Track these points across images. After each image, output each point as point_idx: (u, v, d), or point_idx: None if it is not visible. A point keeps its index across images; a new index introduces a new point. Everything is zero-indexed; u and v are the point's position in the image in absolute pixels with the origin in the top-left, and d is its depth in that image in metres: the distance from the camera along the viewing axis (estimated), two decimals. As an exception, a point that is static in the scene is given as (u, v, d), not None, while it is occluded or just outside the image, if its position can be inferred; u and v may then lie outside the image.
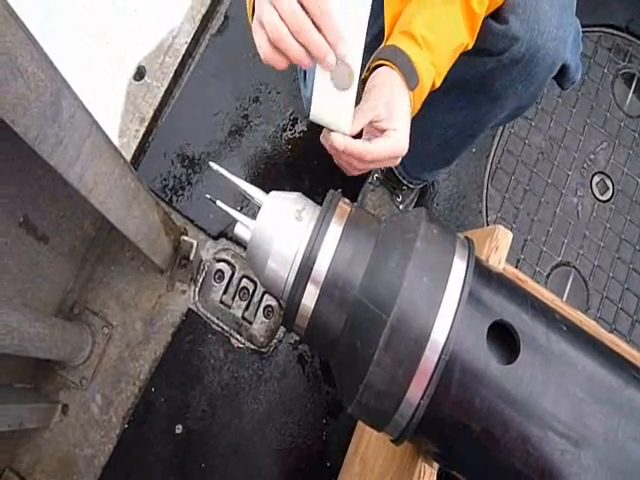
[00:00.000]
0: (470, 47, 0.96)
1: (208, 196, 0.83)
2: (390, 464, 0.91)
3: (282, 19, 0.66)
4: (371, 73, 0.88)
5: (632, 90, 2.06)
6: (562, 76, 1.09)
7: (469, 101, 1.17)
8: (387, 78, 0.84)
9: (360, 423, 1.42)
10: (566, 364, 0.65)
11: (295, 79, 1.75)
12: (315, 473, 1.55)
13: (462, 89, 1.13)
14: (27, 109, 0.73)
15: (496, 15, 0.98)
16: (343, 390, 0.71)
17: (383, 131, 0.82)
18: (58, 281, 1.49)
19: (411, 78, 0.83)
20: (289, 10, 0.65)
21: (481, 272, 0.69)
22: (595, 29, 2.06)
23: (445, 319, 0.62)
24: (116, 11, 1.76)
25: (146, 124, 1.68)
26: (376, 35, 1.14)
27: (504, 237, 0.86)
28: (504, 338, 0.65)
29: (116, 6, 1.76)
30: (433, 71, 0.88)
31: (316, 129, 1.81)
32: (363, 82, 0.89)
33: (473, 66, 0.99)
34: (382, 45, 0.90)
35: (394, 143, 0.82)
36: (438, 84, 0.92)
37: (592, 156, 1.96)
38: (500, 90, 1.09)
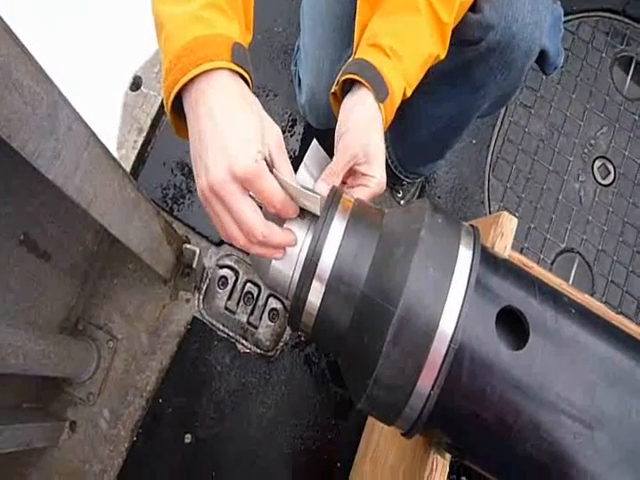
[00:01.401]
0: (442, 57, 0.95)
1: None
2: (402, 459, 0.90)
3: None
4: (341, 87, 0.87)
5: (630, 73, 2.06)
6: (543, 61, 1.09)
7: (453, 93, 1.18)
8: (358, 101, 0.83)
9: (369, 421, 1.42)
10: (577, 347, 0.65)
11: (291, 81, 1.75)
12: (326, 474, 1.55)
13: (446, 81, 1.13)
14: (23, 123, 0.72)
15: (472, 5, 0.98)
16: (352, 386, 0.70)
17: (362, 174, 0.82)
18: (61, 297, 1.48)
19: (381, 91, 0.83)
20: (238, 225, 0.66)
21: (487, 259, 0.68)
22: (592, 14, 2.06)
23: (453, 308, 0.61)
24: (109, 22, 1.75)
25: (144, 134, 1.68)
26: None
27: (509, 223, 0.85)
28: (513, 324, 0.64)
29: (109, 17, 1.76)
30: (403, 81, 0.87)
31: (314, 132, 1.82)
32: (333, 95, 0.89)
33: (453, 57, 0.99)
34: (351, 57, 0.89)
35: (373, 191, 0.82)
36: (409, 94, 0.91)
37: (593, 141, 1.96)
38: (481, 79, 1.09)
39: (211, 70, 0.64)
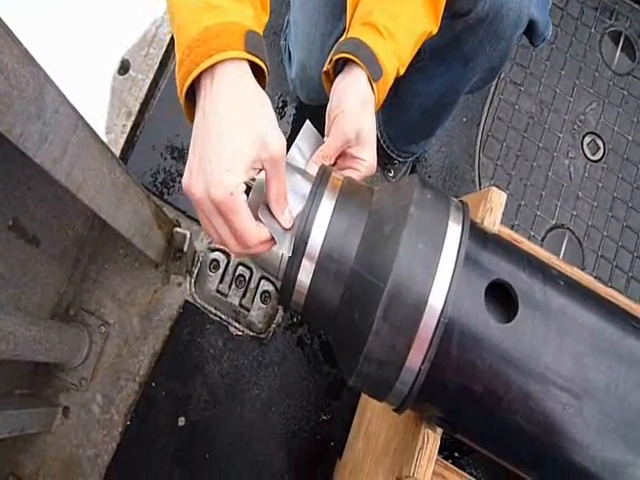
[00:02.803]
0: (434, 33, 0.95)
1: None
2: (394, 435, 0.91)
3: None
4: (334, 66, 0.87)
5: (619, 48, 2.06)
6: (531, 32, 1.10)
7: (444, 68, 1.18)
8: (352, 82, 0.83)
9: (362, 400, 1.43)
10: (565, 318, 0.65)
11: (281, 61, 1.74)
12: (320, 453, 1.56)
13: (436, 57, 1.13)
14: (10, 107, 0.72)
15: None
16: (343, 362, 0.70)
17: (352, 156, 0.82)
18: (52, 283, 1.48)
19: (375, 71, 0.82)
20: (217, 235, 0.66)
21: (477, 234, 0.69)
22: (581, -11, 2.06)
23: (442, 283, 0.61)
24: (97, 5, 1.73)
25: (133, 118, 1.67)
26: (339, 37, 1.14)
27: (498, 198, 0.86)
28: (502, 298, 0.65)
29: (97, 0, 1.74)
30: (397, 61, 0.87)
31: (305, 113, 1.81)
32: (325, 74, 0.89)
33: (444, 31, 0.99)
34: (344, 37, 0.88)
35: (364, 174, 0.82)
36: (402, 72, 0.91)
37: (582, 117, 1.96)
38: (470, 52, 1.09)
39: (224, 61, 0.63)
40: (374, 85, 0.83)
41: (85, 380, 1.52)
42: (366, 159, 0.82)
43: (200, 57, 0.62)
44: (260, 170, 0.65)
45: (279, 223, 0.67)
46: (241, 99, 0.64)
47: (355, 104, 0.82)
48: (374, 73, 0.82)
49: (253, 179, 0.68)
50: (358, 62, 0.81)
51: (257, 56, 0.65)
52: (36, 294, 1.42)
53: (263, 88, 0.68)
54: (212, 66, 0.63)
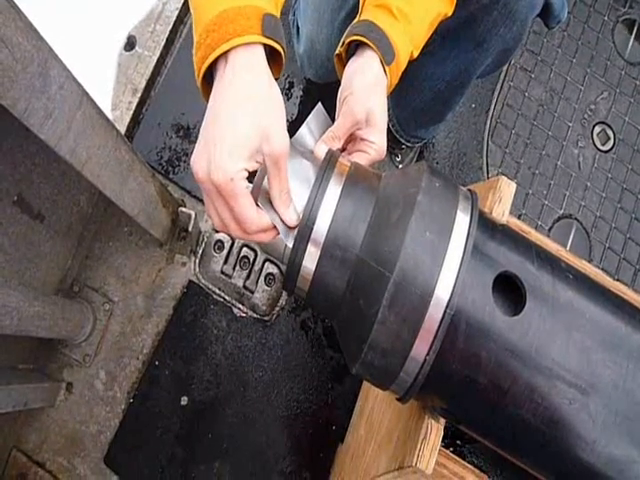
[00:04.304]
0: (449, 15, 0.93)
1: None
2: (396, 423, 0.91)
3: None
4: (346, 49, 0.85)
5: (633, 36, 2.03)
6: (546, 14, 1.07)
7: (457, 50, 1.16)
8: (364, 63, 0.81)
9: (365, 385, 1.42)
10: (573, 312, 0.64)
11: (290, 40, 1.72)
12: (322, 437, 1.56)
13: (449, 39, 1.11)
14: (14, 81, 0.71)
15: None
16: (347, 350, 0.70)
17: (362, 139, 0.81)
18: (56, 259, 1.48)
19: (387, 54, 0.81)
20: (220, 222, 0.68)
21: (485, 224, 0.68)
22: (596, -24, 2.03)
23: (449, 273, 0.60)
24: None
25: (139, 95, 1.66)
26: (349, 12, 1.12)
27: (507, 188, 0.84)
28: (510, 290, 0.64)
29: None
30: (410, 44, 0.85)
31: (313, 94, 1.79)
32: (337, 57, 0.88)
33: (457, 12, 0.97)
34: (357, 19, 0.87)
35: (373, 158, 0.81)
36: (416, 55, 0.89)
37: (593, 106, 1.94)
38: (484, 33, 1.07)
39: (239, 46, 0.62)
40: (386, 68, 0.81)
41: (89, 357, 1.53)
42: (375, 142, 0.81)
43: (216, 42, 0.62)
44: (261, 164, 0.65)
45: (282, 220, 0.67)
46: (252, 90, 0.64)
47: (366, 85, 0.80)
48: (387, 56, 0.81)
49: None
50: (370, 45, 0.80)
51: (274, 40, 0.65)
52: (40, 270, 1.41)
53: (280, 69, 0.70)
54: (228, 51, 0.62)
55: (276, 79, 0.68)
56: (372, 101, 0.80)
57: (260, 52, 0.65)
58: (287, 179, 0.67)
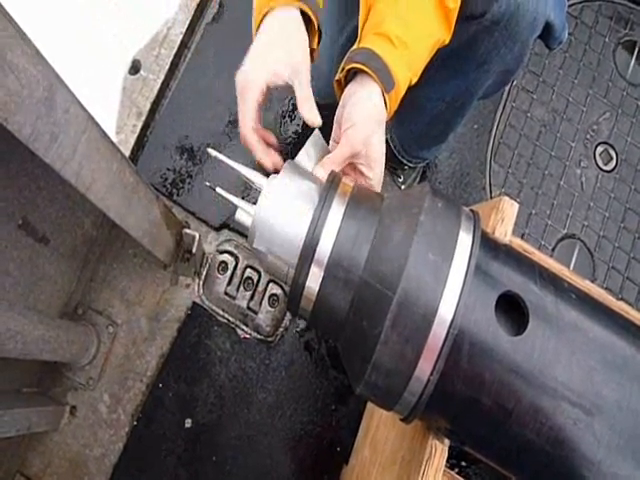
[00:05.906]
0: (447, 42, 0.94)
1: (208, 183, 0.83)
2: (400, 444, 0.90)
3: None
4: (345, 76, 0.86)
5: (634, 58, 2.04)
6: (548, 35, 1.08)
7: (458, 71, 1.16)
8: (365, 95, 0.82)
9: (369, 406, 1.42)
10: (577, 332, 0.64)
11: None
12: (326, 459, 1.55)
13: (451, 60, 1.12)
14: (20, 106, 0.72)
15: None
16: (351, 371, 0.70)
17: (360, 171, 0.84)
18: (60, 282, 1.48)
19: (387, 82, 0.82)
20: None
21: (487, 244, 0.68)
22: (595, -2, 2.05)
23: (452, 293, 0.61)
24: (109, 5, 1.74)
25: (143, 118, 1.67)
26: (349, 36, 1.14)
27: (510, 208, 0.84)
28: (513, 310, 0.64)
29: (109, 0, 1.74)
30: (409, 72, 0.86)
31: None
32: (337, 83, 0.88)
33: (458, 33, 0.98)
34: (356, 45, 0.88)
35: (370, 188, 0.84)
36: (414, 81, 0.90)
37: (595, 126, 1.95)
38: (485, 54, 1.08)
39: (277, 8, 0.84)
40: (386, 96, 0.82)
41: (93, 379, 1.53)
42: (373, 178, 0.83)
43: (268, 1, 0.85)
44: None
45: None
46: (283, 32, 0.86)
47: (366, 117, 0.81)
48: (387, 85, 0.82)
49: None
50: (370, 74, 0.81)
51: (306, 4, 0.85)
52: (45, 293, 1.42)
53: (319, 39, 0.92)
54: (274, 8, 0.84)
55: (313, 49, 0.90)
56: (372, 137, 0.81)
57: (295, 13, 0.85)
58: (310, 87, 0.86)
